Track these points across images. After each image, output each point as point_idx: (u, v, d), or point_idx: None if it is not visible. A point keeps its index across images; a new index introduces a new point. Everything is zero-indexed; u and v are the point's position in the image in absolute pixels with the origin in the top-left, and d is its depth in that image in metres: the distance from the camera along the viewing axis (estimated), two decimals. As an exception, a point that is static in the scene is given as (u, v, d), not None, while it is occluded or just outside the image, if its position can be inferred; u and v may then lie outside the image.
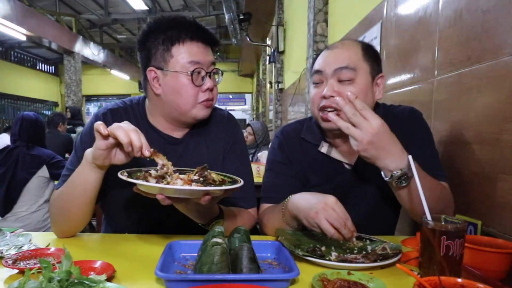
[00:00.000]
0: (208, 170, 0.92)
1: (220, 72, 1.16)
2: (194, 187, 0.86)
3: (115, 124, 0.90)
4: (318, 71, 1.15)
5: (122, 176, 0.88)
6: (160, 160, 0.91)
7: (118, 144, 0.92)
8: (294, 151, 1.26)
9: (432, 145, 1.20)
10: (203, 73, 1.09)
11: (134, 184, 0.87)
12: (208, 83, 1.09)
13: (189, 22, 1.10)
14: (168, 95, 1.09)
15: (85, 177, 0.99)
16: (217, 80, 1.16)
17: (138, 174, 0.94)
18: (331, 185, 1.19)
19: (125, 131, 0.88)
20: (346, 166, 1.21)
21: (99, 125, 0.90)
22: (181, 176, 0.91)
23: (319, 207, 0.93)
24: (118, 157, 0.95)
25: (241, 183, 0.92)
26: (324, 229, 0.92)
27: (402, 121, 1.20)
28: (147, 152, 0.88)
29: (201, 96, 1.09)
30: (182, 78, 1.06)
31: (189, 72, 1.06)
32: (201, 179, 0.89)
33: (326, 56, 1.15)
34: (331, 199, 0.95)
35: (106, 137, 0.90)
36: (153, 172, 0.93)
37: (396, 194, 1.04)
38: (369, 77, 1.13)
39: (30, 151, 2.73)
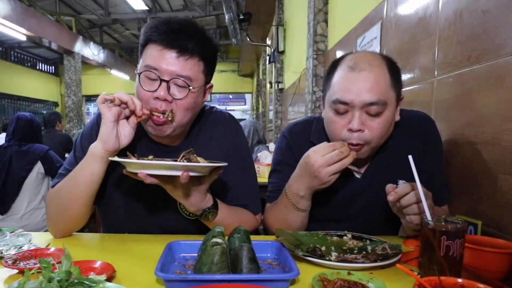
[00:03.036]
0: (195, 155, 0.94)
1: (188, 86, 1.00)
2: (172, 162, 0.88)
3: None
4: (343, 102, 1.03)
5: (112, 158, 0.94)
6: (159, 113, 1.00)
7: (119, 115, 0.99)
8: (303, 153, 1.22)
9: (442, 161, 1.18)
10: (154, 77, 0.99)
11: (133, 185, 0.89)
12: (161, 91, 0.98)
13: (170, 26, 1.00)
14: None
15: (91, 170, 1.00)
16: (178, 95, 1.00)
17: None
18: (338, 192, 1.17)
19: (124, 93, 0.98)
20: (355, 174, 1.19)
21: (104, 94, 0.97)
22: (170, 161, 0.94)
23: (314, 169, 0.98)
24: (124, 133, 1.00)
25: (224, 164, 0.94)
26: (339, 167, 0.97)
27: (414, 128, 1.17)
28: (146, 111, 0.98)
29: (151, 104, 0.99)
30: (137, 80, 1.03)
31: (137, 72, 1.03)
32: (185, 161, 0.91)
33: (353, 81, 1.02)
34: (310, 156, 1.00)
35: (112, 104, 0.97)
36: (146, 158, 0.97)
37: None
38: (395, 104, 1.07)
39: (22, 148, 2.74)
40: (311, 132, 1.24)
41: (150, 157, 0.98)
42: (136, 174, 0.89)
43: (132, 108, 0.97)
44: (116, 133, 0.98)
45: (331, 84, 1.09)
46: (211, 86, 1.12)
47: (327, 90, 1.12)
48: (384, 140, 1.10)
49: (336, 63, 1.11)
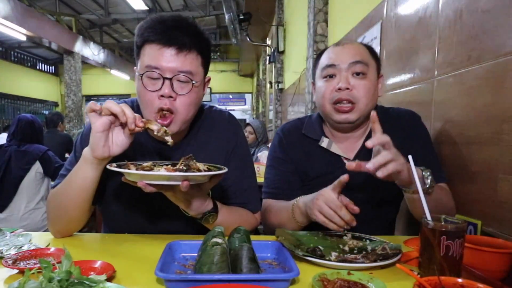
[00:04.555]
0: (194, 160, 0.94)
1: (191, 81, 1.01)
2: (171, 172, 0.88)
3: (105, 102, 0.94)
4: (331, 65, 1.18)
5: (110, 167, 0.92)
6: (155, 125, 0.95)
7: (112, 124, 0.94)
8: (294, 147, 1.30)
9: (432, 147, 1.23)
10: (156, 76, 0.99)
11: (133, 188, 0.91)
12: (165, 89, 0.99)
13: (165, 24, 1.00)
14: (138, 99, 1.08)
15: (84, 175, 0.99)
16: (182, 91, 1.01)
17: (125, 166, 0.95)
18: (329, 179, 1.20)
19: (115, 103, 0.93)
20: (344, 160, 1.25)
21: (91, 103, 0.93)
22: (169, 166, 0.94)
23: (318, 195, 1.01)
24: (116, 141, 0.96)
25: (224, 170, 0.94)
26: (323, 210, 0.98)
27: (402, 124, 1.23)
28: (141, 123, 0.93)
29: (157, 103, 1.00)
30: (138, 81, 1.03)
31: (138, 74, 1.02)
32: (185, 168, 0.90)
33: (339, 51, 1.19)
34: (328, 187, 1.01)
35: (100, 114, 0.92)
36: (145, 164, 0.96)
37: (412, 202, 1.05)
38: (376, 73, 1.20)
39: (21, 148, 2.76)
40: (303, 126, 1.32)
41: (149, 162, 0.97)
42: (135, 182, 0.89)
43: (123, 121, 0.92)
44: (104, 142, 0.94)
45: (319, 62, 1.24)
46: (209, 79, 1.14)
47: (317, 68, 1.25)
48: (370, 109, 1.18)
49: (323, 51, 1.27)
